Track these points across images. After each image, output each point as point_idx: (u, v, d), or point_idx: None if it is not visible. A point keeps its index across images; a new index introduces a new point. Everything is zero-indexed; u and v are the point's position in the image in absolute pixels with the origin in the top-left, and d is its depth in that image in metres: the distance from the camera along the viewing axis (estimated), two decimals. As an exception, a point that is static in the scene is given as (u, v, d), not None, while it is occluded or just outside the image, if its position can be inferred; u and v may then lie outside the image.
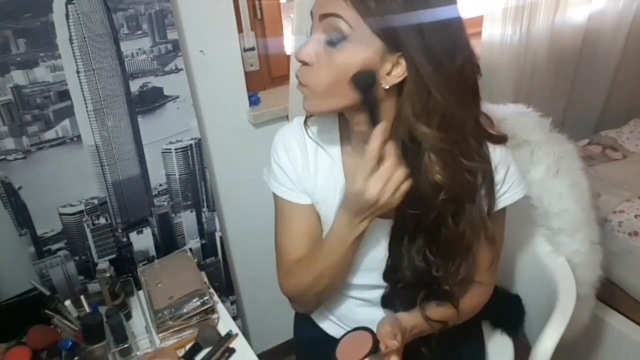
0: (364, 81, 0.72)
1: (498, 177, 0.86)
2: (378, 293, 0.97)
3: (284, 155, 0.91)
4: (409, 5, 0.67)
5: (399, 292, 0.91)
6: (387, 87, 0.73)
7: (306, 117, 0.91)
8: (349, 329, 1.05)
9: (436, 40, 0.68)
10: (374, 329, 0.99)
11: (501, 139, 0.84)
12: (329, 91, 0.74)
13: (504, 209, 0.90)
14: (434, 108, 0.71)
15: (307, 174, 0.90)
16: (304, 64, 0.75)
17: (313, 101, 0.77)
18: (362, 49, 0.70)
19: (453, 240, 0.83)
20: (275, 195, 0.94)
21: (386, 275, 0.91)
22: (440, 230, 0.82)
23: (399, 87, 0.73)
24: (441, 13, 0.69)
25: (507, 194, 0.88)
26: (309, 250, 0.92)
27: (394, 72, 0.71)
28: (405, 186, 0.75)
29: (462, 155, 0.77)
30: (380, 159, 0.73)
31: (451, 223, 0.81)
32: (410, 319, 0.90)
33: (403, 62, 0.70)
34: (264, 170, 0.96)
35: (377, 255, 0.92)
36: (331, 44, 0.71)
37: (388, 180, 0.73)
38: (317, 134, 0.90)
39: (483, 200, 0.83)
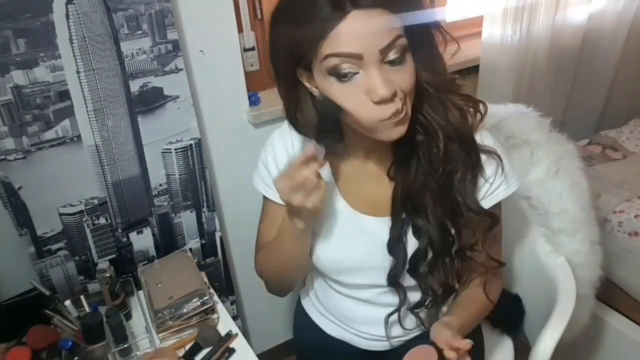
0: None
1: (490, 170, 0.87)
2: (378, 292, 0.97)
3: (270, 157, 0.95)
4: None
5: (404, 262, 0.91)
6: None
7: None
8: (350, 329, 1.05)
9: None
10: (381, 329, 1.00)
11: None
12: (413, 91, 0.77)
13: (499, 204, 0.91)
14: (435, 55, 0.79)
15: None
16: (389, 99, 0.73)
17: (408, 118, 0.77)
18: (406, 43, 0.73)
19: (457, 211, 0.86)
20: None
21: (390, 248, 0.91)
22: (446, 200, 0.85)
23: None
24: None
25: (501, 187, 0.89)
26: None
27: None
28: (316, 196, 0.76)
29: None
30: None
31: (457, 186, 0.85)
32: (455, 319, 0.90)
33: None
34: (254, 173, 1.00)
35: (375, 254, 0.92)
36: (399, 62, 0.72)
37: (297, 186, 0.75)
38: (301, 145, 0.93)
39: (476, 191, 0.87)
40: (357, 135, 0.81)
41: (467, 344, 0.78)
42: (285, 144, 0.94)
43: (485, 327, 1.20)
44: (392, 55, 0.70)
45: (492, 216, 0.89)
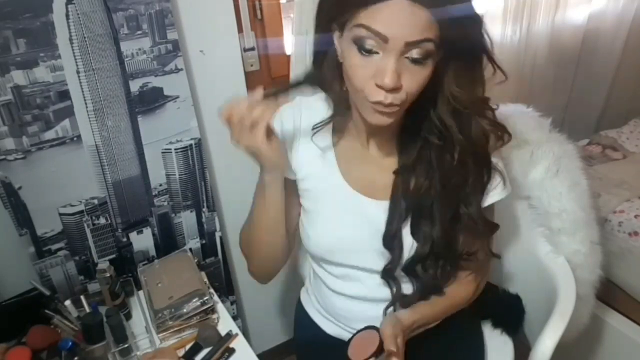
0: None
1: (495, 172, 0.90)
2: (370, 286, 0.98)
3: (278, 129, 0.93)
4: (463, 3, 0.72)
5: (400, 260, 0.92)
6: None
7: (317, 125, 0.94)
8: (347, 327, 1.06)
9: (470, 20, 0.75)
10: (369, 322, 1.00)
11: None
12: (415, 98, 0.78)
13: (492, 207, 0.93)
14: (472, 75, 0.81)
15: (296, 149, 0.95)
16: (393, 89, 0.74)
17: (397, 115, 0.80)
18: (437, 54, 0.74)
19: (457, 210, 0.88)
20: None
21: (386, 244, 0.92)
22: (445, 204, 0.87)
23: None
24: None
25: (495, 191, 0.91)
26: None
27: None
28: (261, 126, 0.80)
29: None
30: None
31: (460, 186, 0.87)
32: (411, 314, 0.92)
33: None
34: None
35: (368, 235, 0.92)
36: (418, 62, 0.73)
37: (239, 122, 0.80)
38: (309, 121, 0.94)
39: (474, 195, 0.88)
40: (361, 116, 0.83)
41: (392, 350, 0.82)
42: (293, 117, 0.95)
43: (485, 327, 1.20)
44: (414, 54, 0.72)
45: (493, 225, 0.92)
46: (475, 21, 0.76)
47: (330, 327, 1.11)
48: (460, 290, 0.99)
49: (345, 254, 0.96)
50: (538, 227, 1.18)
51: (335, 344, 1.09)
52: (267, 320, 1.76)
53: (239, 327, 1.19)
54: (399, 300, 0.96)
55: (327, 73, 0.85)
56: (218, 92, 1.36)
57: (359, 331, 0.88)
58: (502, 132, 0.87)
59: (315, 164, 0.94)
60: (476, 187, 0.88)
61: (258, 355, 1.10)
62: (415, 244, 0.90)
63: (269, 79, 1.51)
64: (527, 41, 1.66)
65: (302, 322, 1.18)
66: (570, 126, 1.84)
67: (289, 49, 1.47)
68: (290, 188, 0.98)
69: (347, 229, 0.94)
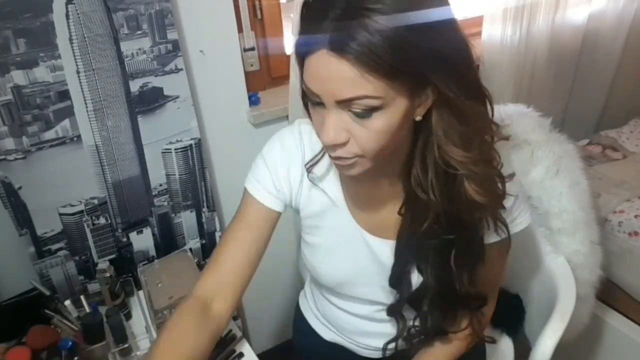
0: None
1: (507, 204, 0.80)
2: (375, 309, 0.96)
3: (278, 155, 0.87)
4: (426, 39, 0.60)
5: (406, 299, 0.89)
6: (420, 118, 0.69)
7: (309, 163, 0.86)
8: (348, 339, 1.05)
9: (455, 56, 0.64)
10: (377, 342, 0.99)
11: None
12: (383, 151, 0.68)
13: (509, 238, 0.85)
14: (465, 130, 0.68)
15: (302, 184, 0.88)
16: (339, 145, 0.67)
17: (367, 165, 0.70)
18: (396, 105, 0.64)
19: (468, 253, 0.82)
20: (247, 192, 0.90)
21: (392, 284, 0.89)
22: (452, 247, 0.80)
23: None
24: (447, 26, 0.64)
25: (515, 222, 0.86)
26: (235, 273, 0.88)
27: (424, 103, 0.67)
28: None
29: (491, 166, 0.74)
30: None
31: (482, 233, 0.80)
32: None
33: (429, 91, 0.66)
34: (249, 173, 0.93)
35: (374, 272, 0.90)
36: (362, 116, 0.64)
37: None
38: (312, 152, 0.87)
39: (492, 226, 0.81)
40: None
41: None
42: (295, 145, 0.86)
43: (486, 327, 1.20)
44: (355, 108, 0.63)
45: (481, 297, 0.87)
46: (450, 61, 0.63)
47: (328, 335, 1.10)
48: (458, 345, 0.96)
49: (351, 287, 0.94)
50: (538, 227, 1.18)
51: (332, 350, 1.09)
52: (267, 321, 1.76)
53: (238, 327, 1.19)
54: (403, 336, 0.94)
55: None
56: (218, 92, 1.36)
57: None
58: (496, 205, 0.76)
59: (323, 201, 0.88)
60: (462, 247, 0.80)
61: (258, 356, 1.10)
62: (421, 280, 0.86)
63: (269, 79, 1.51)
64: (527, 41, 1.66)
65: (300, 328, 1.17)
66: (570, 126, 1.84)
67: (289, 49, 1.47)
68: (269, 221, 0.89)
69: (354, 266, 0.91)
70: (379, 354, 1.03)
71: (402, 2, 0.58)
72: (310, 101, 0.68)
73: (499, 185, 0.75)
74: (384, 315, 0.95)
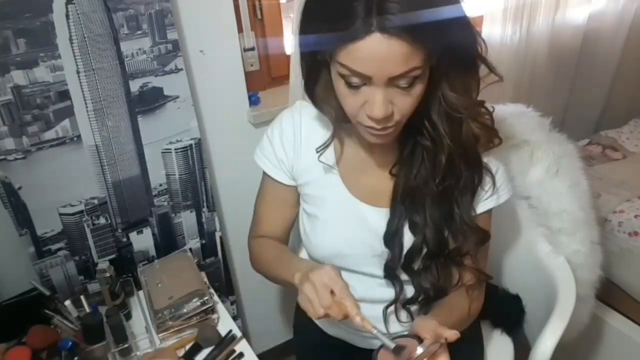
0: None
1: (487, 179, 0.89)
2: (373, 286, 0.97)
3: (277, 134, 0.96)
4: (446, 20, 0.70)
5: (400, 256, 0.93)
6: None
7: (320, 147, 0.92)
8: (346, 327, 1.05)
9: (459, 33, 0.74)
10: (378, 326, 1.00)
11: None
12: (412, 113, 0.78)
13: (489, 211, 0.93)
14: (466, 79, 0.79)
15: (296, 157, 0.95)
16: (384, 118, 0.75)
17: (399, 130, 0.80)
18: (427, 69, 0.73)
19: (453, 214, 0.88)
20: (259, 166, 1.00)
21: (386, 242, 0.92)
22: (453, 188, 0.87)
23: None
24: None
25: (494, 196, 0.91)
26: (280, 233, 1.05)
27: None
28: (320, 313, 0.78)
29: (483, 106, 0.86)
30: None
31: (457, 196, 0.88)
32: (439, 319, 0.89)
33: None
34: (256, 148, 1.01)
35: (368, 242, 0.93)
36: (408, 87, 0.72)
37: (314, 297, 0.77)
38: (309, 127, 0.94)
39: (464, 196, 0.88)
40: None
41: (454, 334, 0.76)
42: (293, 124, 0.95)
43: (486, 327, 1.20)
44: (402, 83, 0.71)
45: (484, 232, 0.92)
46: (463, 31, 0.75)
47: (330, 327, 1.10)
48: (463, 302, 0.96)
49: (345, 259, 0.96)
50: (538, 227, 1.18)
51: (335, 345, 1.10)
52: (267, 320, 1.76)
53: (239, 327, 1.19)
54: (400, 300, 0.96)
55: (321, 90, 0.84)
56: (218, 92, 1.36)
57: (378, 350, 0.81)
58: (491, 136, 0.87)
59: (318, 171, 0.94)
60: (467, 189, 0.87)
61: (258, 356, 1.10)
62: (412, 238, 0.91)
63: (269, 79, 1.51)
64: (527, 41, 1.66)
65: (301, 323, 1.18)
66: (570, 126, 1.83)
67: (289, 49, 1.47)
68: (286, 194, 1.00)
69: (347, 235, 0.94)
70: (378, 343, 1.03)
71: None
72: (348, 85, 0.73)
73: (489, 119, 0.87)
74: (382, 293, 0.97)
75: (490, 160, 0.90)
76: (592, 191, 1.20)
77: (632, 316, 1.49)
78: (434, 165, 0.85)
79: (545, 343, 1.03)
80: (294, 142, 0.94)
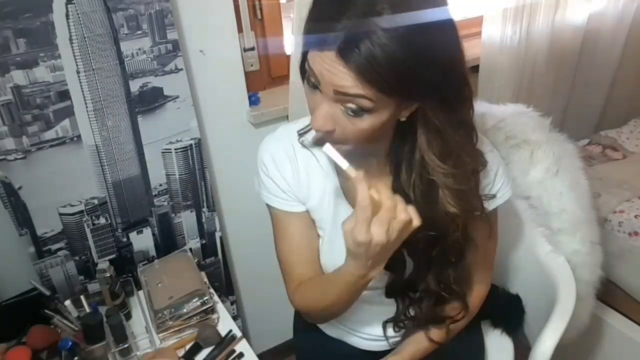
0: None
1: (487, 179, 0.88)
2: (376, 294, 0.97)
3: (272, 166, 0.91)
4: (425, 69, 0.65)
5: (402, 281, 0.92)
6: (404, 119, 0.73)
7: (302, 130, 0.91)
8: (347, 329, 1.05)
9: (446, 80, 0.68)
10: (379, 329, 1.01)
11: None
12: (364, 142, 0.74)
13: (495, 210, 0.92)
14: (445, 144, 0.73)
15: (297, 182, 0.91)
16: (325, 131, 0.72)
17: (347, 149, 0.75)
18: (385, 111, 0.69)
19: (457, 244, 0.86)
20: (268, 206, 0.94)
21: (386, 266, 0.90)
22: (446, 239, 0.84)
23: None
24: (446, 48, 0.68)
25: (497, 194, 0.90)
26: (314, 268, 0.93)
27: (410, 108, 0.72)
28: (411, 225, 0.71)
29: (467, 181, 0.79)
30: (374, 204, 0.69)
31: (458, 235, 0.84)
32: (409, 349, 0.95)
33: (415, 105, 0.71)
34: (255, 180, 0.96)
35: None
36: (353, 114, 0.69)
37: (391, 220, 0.69)
38: (302, 151, 0.90)
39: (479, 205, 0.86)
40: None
41: None
42: (286, 153, 0.91)
43: (486, 327, 1.20)
44: (348, 105, 0.68)
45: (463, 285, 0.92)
46: (447, 90, 0.69)
47: (330, 328, 1.10)
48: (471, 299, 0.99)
49: None
50: (538, 227, 1.18)
51: (335, 346, 1.09)
52: (267, 320, 1.76)
53: (239, 327, 1.19)
54: (401, 318, 0.97)
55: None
56: (218, 92, 1.36)
57: None
58: (470, 209, 0.80)
59: (321, 192, 0.91)
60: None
61: (258, 356, 1.10)
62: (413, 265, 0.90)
63: (269, 79, 1.51)
64: (527, 42, 1.66)
65: (301, 323, 1.18)
66: (570, 126, 1.84)
67: (289, 49, 1.47)
68: (308, 220, 0.94)
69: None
70: (378, 344, 1.05)
71: (409, 28, 0.62)
72: (309, 82, 0.72)
73: (476, 201, 0.82)
74: (383, 299, 0.96)
75: (490, 158, 0.86)
76: (592, 191, 1.20)
77: (632, 316, 1.49)
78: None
79: (545, 343, 1.03)
80: (291, 167, 0.91)
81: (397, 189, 0.83)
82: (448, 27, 0.68)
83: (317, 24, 0.67)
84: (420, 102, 0.70)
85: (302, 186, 0.91)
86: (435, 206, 0.78)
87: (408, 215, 0.69)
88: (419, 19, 0.63)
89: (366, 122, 0.70)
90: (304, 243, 0.93)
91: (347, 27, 0.63)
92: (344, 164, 0.71)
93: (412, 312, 0.96)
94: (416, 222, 0.70)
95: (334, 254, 0.93)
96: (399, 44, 0.62)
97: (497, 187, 0.90)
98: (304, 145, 0.90)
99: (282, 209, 0.92)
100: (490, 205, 0.89)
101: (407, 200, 0.77)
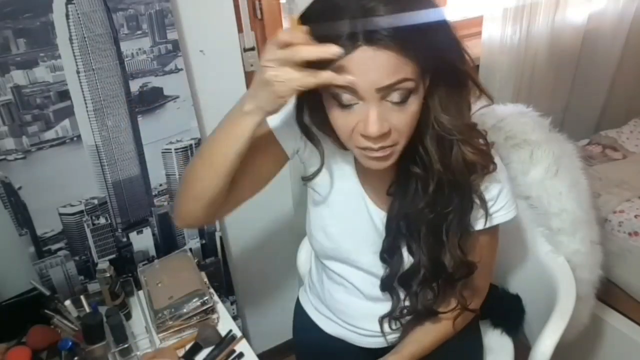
0: None
1: (491, 194, 0.87)
2: (371, 283, 0.98)
3: (283, 123, 0.88)
4: (438, 29, 0.70)
5: (397, 275, 0.93)
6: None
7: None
8: (345, 325, 1.06)
9: (447, 48, 0.72)
10: (370, 323, 1.01)
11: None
12: (410, 133, 0.75)
13: (496, 227, 0.92)
14: (458, 100, 0.77)
15: (305, 147, 0.91)
16: (385, 135, 0.72)
17: (399, 152, 0.77)
18: (421, 89, 0.72)
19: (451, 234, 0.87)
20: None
21: (382, 257, 0.93)
22: (445, 220, 0.86)
23: None
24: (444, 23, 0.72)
25: (499, 212, 0.90)
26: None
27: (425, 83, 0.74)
28: (296, 83, 0.66)
29: (476, 129, 0.83)
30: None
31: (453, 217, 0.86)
32: (409, 348, 0.96)
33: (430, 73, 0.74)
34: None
35: (370, 238, 0.93)
36: (401, 102, 0.70)
37: (284, 65, 0.65)
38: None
39: (476, 213, 0.87)
40: None
41: None
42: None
43: (485, 327, 1.20)
44: (394, 97, 0.69)
45: (470, 265, 0.91)
46: (451, 46, 0.73)
47: (329, 326, 1.11)
48: (442, 324, 1.00)
49: (351, 253, 0.96)
50: (538, 227, 1.18)
51: (334, 344, 1.10)
52: (267, 320, 1.76)
53: (239, 327, 1.19)
54: (396, 313, 0.98)
55: (316, 119, 0.83)
56: (218, 92, 1.36)
57: None
58: (486, 162, 0.83)
59: (333, 161, 0.92)
60: (456, 217, 0.85)
61: (258, 356, 1.10)
62: (411, 260, 0.91)
63: (269, 79, 1.51)
64: (527, 41, 1.66)
65: (301, 322, 1.18)
66: (570, 126, 1.84)
67: (289, 49, 1.47)
68: (271, 147, 0.90)
69: (355, 230, 0.94)
70: (376, 341, 1.05)
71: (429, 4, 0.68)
72: (342, 105, 0.71)
73: (484, 144, 0.84)
74: (379, 294, 0.98)
75: (493, 181, 0.87)
76: (592, 191, 1.20)
77: (632, 316, 1.49)
78: (426, 194, 0.83)
79: (545, 343, 1.03)
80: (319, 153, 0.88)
81: (400, 188, 0.86)
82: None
83: (325, 35, 0.65)
84: (446, 59, 0.72)
85: (305, 153, 0.91)
86: (456, 164, 0.80)
87: (299, 75, 0.65)
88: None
89: (413, 106, 0.71)
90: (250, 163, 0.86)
91: (359, 16, 0.64)
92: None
93: (407, 303, 0.97)
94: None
95: (339, 228, 0.95)
96: (422, 12, 0.65)
97: (500, 206, 0.89)
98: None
99: (272, 126, 0.89)
100: (491, 222, 0.89)
101: (416, 188, 0.84)
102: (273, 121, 0.89)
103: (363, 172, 0.92)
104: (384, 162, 0.76)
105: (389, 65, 0.66)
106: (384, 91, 0.68)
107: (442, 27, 0.71)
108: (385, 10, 0.64)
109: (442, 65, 0.72)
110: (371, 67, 0.66)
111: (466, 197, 0.85)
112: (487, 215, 0.88)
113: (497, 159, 0.87)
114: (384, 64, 0.66)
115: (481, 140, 0.83)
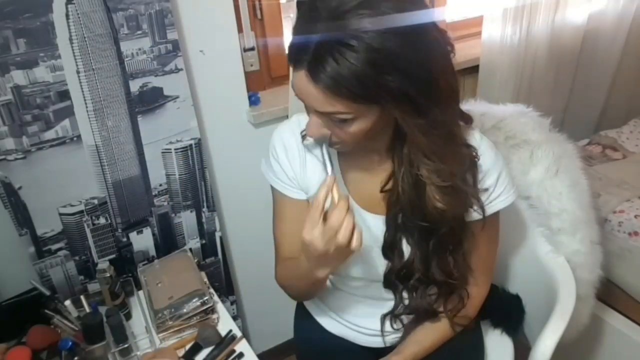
0: None
1: (489, 181, 0.88)
2: (376, 288, 0.98)
3: (282, 153, 0.95)
4: (393, 78, 0.67)
5: (399, 271, 0.93)
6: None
7: (304, 131, 0.93)
8: (347, 323, 1.06)
9: (412, 85, 0.69)
10: (372, 322, 1.00)
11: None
12: (363, 142, 0.79)
13: (497, 213, 0.92)
14: (426, 141, 0.75)
15: (303, 171, 0.94)
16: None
17: (348, 148, 0.82)
18: (369, 115, 0.73)
19: (452, 235, 0.88)
20: (272, 187, 0.98)
21: (385, 253, 0.93)
22: (439, 231, 0.86)
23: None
24: (419, 54, 0.68)
25: (499, 198, 0.90)
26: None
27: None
28: (348, 250, 0.73)
29: (453, 177, 0.80)
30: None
31: (451, 226, 0.86)
32: (411, 348, 0.96)
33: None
34: (262, 161, 1.00)
35: (369, 249, 0.93)
36: (339, 123, 0.74)
37: (332, 236, 0.72)
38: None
39: (475, 203, 0.87)
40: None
41: None
42: (296, 140, 0.94)
43: (486, 327, 1.20)
44: (332, 118, 0.73)
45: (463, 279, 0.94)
46: (401, 97, 0.70)
47: (330, 324, 1.11)
48: (441, 324, 1.00)
49: (350, 266, 0.96)
50: (538, 227, 1.18)
51: (335, 343, 1.10)
52: (267, 320, 1.76)
53: (239, 327, 1.19)
54: (398, 308, 0.98)
55: None
56: (218, 92, 1.36)
57: None
58: (457, 208, 0.83)
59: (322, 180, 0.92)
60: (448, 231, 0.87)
61: (258, 356, 1.10)
62: (409, 252, 0.91)
63: (269, 79, 1.51)
64: (527, 41, 1.66)
65: (302, 321, 1.18)
66: (570, 126, 1.84)
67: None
68: (306, 209, 0.95)
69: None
70: (377, 340, 1.05)
71: (376, 42, 0.64)
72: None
73: (466, 198, 0.84)
74: (382, 292, 0.98)
75: (493, 160, 0.87)
76: (592, 191, 1.20)
77: (632, 316, 1.49)
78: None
79: (545, 343, 1.03)
80: (299, 157, 0.94)
81: (393, 183, 0.87)
82: (415, 33, 0.68)
83: (292, 45, 0.71)
84: (391, 107, 0.71)
85: (306, 175, 0.94)
86: (424, 200, 0.81)
87: (345, 240, 0.71)
88: (383, 25, 0.64)
89: (354, 128, 0.74)
90: (296, 227, 0.93)
91: (314, 48, 0.67)
92: (329, 168, 0.77)
93: (407, 302, 0.97)
94: (355, 245, 0.72)
95: None
96: (362, 57, 0.64)
97: (499, 191, 0.89)
98: (306, 147, 0.93)
99: (284, 193, 0.96)
100: (490, 209, 0.89)
101: (398, 194, 0.83)
102: (286, 196, 0.96)
103: (352, 184, 0.93)
104: (340, 149, 0.84)
105: (324, 97, 0.69)
106: (323, 114, 0.73)
107: (411, 80, 0.68)
108: (342, 51, 0.64)
109: (401, 117, 0.72)
110: (308, 92, 0.70)
111: (447, 226, 0.86)
112: (483, 209, 0.87)
113: (489, 143, 0.88)
114: (318, 95, 0.69)
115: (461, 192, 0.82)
